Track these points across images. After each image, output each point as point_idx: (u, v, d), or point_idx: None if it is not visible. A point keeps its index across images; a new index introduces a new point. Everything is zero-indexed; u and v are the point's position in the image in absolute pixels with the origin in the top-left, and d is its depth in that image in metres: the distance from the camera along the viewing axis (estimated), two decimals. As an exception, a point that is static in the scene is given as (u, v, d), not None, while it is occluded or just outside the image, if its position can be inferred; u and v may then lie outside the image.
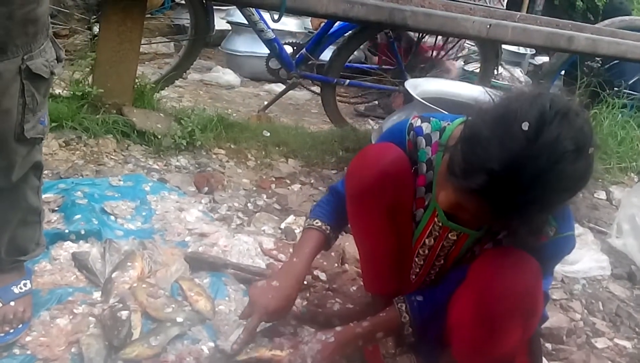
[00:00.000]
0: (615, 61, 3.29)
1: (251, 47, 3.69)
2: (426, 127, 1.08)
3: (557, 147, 0.79)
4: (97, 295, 1.34)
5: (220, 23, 3.72)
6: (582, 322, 1.62)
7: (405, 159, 1.07)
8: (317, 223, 1.22)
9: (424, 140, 1.07)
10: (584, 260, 1.85)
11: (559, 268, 1.81)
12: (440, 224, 1.07)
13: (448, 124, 1.07)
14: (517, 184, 0.79)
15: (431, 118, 1.08)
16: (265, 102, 3.17)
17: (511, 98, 0.86)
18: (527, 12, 5.54)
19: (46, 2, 1.03)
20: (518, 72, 4.43)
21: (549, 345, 1.49)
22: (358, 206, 1.13)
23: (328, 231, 1.22)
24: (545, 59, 4.52)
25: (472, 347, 0.93)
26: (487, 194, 0.81)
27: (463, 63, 4.40)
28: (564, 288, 1.77)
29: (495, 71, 3.18)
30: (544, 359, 1.38)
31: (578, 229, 1.98)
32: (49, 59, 1.06)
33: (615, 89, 3.17)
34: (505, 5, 4.19)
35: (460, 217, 0.97)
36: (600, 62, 3.46)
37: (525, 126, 0.79)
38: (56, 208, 1.59)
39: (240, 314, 1.25)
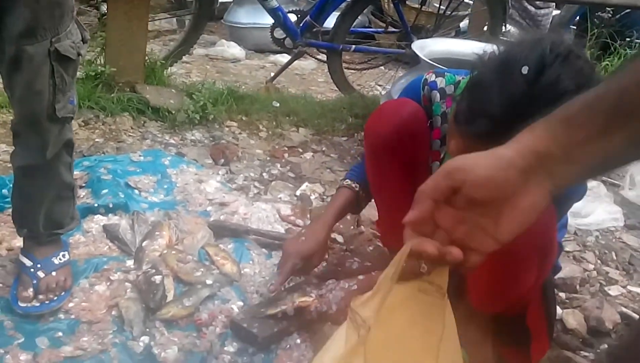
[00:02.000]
0: (627, 11, 3.25)
1: (254, 18, 3.69)
2: (440, 82, 1.11)
3: (558, 87, 0.81)
4: (130, 263, 1.43)
5: (222, -4, 3.74)
6: (596, 272, 1.68)
7: (421, 113, 1.10)
8: (347, 182, 1.30)
9: (438, 94, 1.10)
10: (597, 212, 1.88)
11: (572, 221, 1.86)
12: None
13: (462, 78, 1.08)
14: (518, 126, 0.84)
15: (446, 73, 1.11)
16: (272, 74, 3.20)
17: (513, 45, 0.89)
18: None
19: None
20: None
21: (562, 295, 1.55)
22: (376, 162, 1.17)
23: (357, 189, 1.29)
24: (557, 12, 4.46)
25: (489, 288, 0.96)
26: (490, 139, 0.86)
27: (469, 22, 4.36)
28: (577, 240, 1.83)
29: (504, 27, 3.16)
30: (558, 307, 1.45)
31: (591, 182, 2.01)
32: (75, 40, 1.11)
33: (627, 39, 3.14)
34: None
35: None
36: (611, 12, 3.42)
37: (525, 69, 0.82)
38: (83, 184, 1.67)
39: (278, 264, 1.33)
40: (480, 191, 0.48)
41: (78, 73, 2.20)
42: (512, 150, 0.49)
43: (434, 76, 1.12)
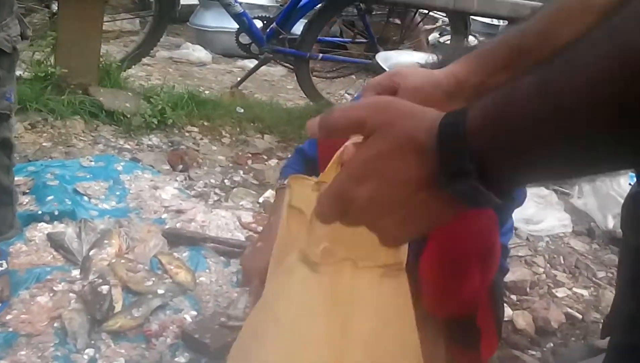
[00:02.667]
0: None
1: (221, 22, 3.71)
2: None
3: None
4: (75, 272, 1.40)
5: (186, -2, 3.75)
6: (545, 275, 1.79)
7: None
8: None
9: None
10: (548, 219, 2.02)
11: (525, 228, 1.99)
12: None
13: None
14: None
15: None
16: (238, 79, 3.22)
17: (448, 53, 0.99)
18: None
19: None
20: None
21: (513, 297, 1.65)
22: (331, 155, 1.20)
23: None
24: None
25: (437, 293, 1.03)
26: None
27: (438, 35, 4.51)
28: (529, 246, 1.93)
29: (465, 41, 3.31)
30: (509, 309, 1.55)
31: (544, 191, 2.14)
32: (11, 34, 1.11)
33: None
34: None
35: None
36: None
37: None
38: (27, 191, 1.64)
39: (241, 283, 1.33)
40: (410, 98, 0.53)
41: (26, 74, 2.20)
42: (441, 73, 0.58)
43: None
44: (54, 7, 2.45)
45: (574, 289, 1.75)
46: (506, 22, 4.54)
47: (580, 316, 1.61)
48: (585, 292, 1.73)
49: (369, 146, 0.43)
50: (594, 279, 1.81)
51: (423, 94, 0.56)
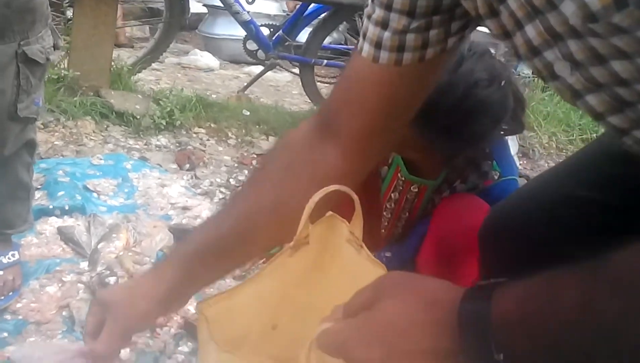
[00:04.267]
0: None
1: (229, 29, 3.75)
2: None
3: (472, 76, 0.97)
4: (84, 265, 1.41)
5: (196, 6, 3.79)
6: None
7: None
8: None
9: None
10: None
11: None
12: (403, 178, 1.18)
13: None
14: (441, 109, 0.92)
15: None
16: (245, 84, 3.25)
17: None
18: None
19: None
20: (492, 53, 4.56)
21: None
22: None
23: None
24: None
25: None
26: (418, 124, 0.92)
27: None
28: None
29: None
30: None
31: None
32: (45, 45, 1.15)
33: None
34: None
35: (409, 156, 1.09)
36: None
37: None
38: (39, 186, 1.66)
39: None
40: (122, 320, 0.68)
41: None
42: (151, 284, 0.70)
43: None
44: (69, 13, 2.49)
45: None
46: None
47: None
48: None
49: (382, 309, 0.41)
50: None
51: (135, 312, 0.64)
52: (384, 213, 1.24)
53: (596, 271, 0.34)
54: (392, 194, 1.21)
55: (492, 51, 1.07)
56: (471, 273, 1.04)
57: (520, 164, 2.52)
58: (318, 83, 3.09)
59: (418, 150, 1.05)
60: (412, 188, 1.18)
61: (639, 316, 0.31)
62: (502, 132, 1.11)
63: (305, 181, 0.62)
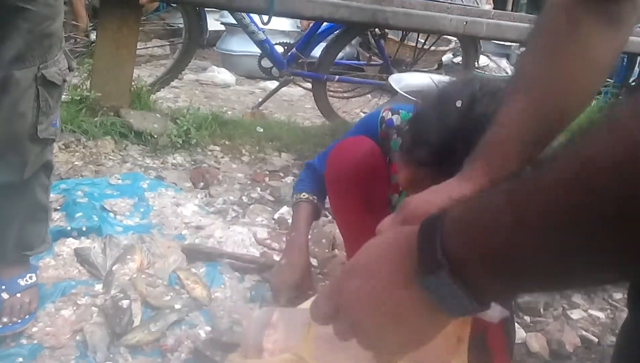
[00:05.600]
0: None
1: (245, 46, 3.73)
2: (396, 119, 1.15)
3: (487, 118, 0.86)
4: (99, 287, 1.39)
5: (214, 24, 3.78)
6: (559, 296, 1.68)
7: (376, 150, 1.14)
8: (304, 195, 1.30)
9: (395, 131, 1.14)
10: None
11: None
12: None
13: None
14: (453, 152, 0.86)
15: (400, 110, 1.15)
16: (260, 100, 3.22)
17: (449, 83, 0.97)
18: (512, 7, 5.63)
19: (61, 18, 1.13)
20: (504, 63, 4.48)
21: (527, 318, 1.55)
22: (337, 194, 1.20)
23: (315, 201, 1.31)
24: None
25: None
26: (429, 164, 0.88)
27: (452, 56, 4.46)
28: None
29: (476, 63, 3.28)
30: (522, 331, 1.46)
31: None
32: (61, 68, 1.15)
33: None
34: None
35: None
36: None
37: (458, 103, 0.90)
38: (58, 207, 1.64)
39: (272, 299, 1.31)
40: None
41: (63, 97, 2.22)
42: (465, 188, 0.57)
43: (390, 113, 1.16)
44: (93, 36, 2.49)
45: (590, 311, 1.63)
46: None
47: (596, 340, 1.49)
48: (601, 314, 1.61)
49: (362, 249, 0.44)
50: (610, 301, 1.68)
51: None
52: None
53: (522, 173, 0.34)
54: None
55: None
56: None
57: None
58: (330, 98, 3.05)
59: (422, 183, 1.00)
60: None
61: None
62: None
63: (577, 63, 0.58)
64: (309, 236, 1.34)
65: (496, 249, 0.34)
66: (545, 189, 0.31)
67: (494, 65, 4.44)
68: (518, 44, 4.63)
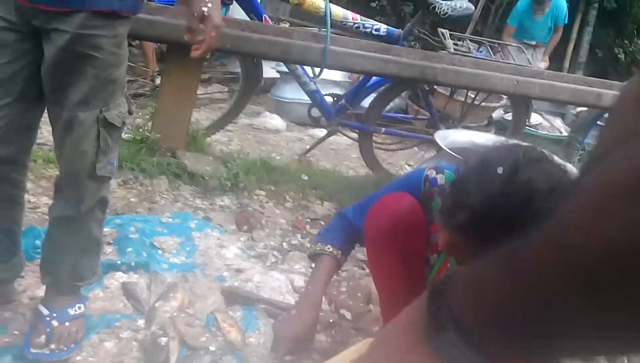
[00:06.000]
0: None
1: (297, 94, 3.86)
2: (440, 178, 1.15)
3: (529, 187, 0.87)
4: (141, 322, 1.44)
5: (270, 72, 3.97)
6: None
7: (417, 208, 1.14)
8: (328, 248, 1.30)
9: (438, 191, 1.14)
10: None
11: None
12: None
13: None
14: (494, 220, 0.85)
15: (445, 170, 1.15)
16: (307, 146, 3.30)
17: (492, 148, 0.97)
18: (569, 64, 5.55)
19: (124, 66, 1.22)
20: (558, 122, 4.39)
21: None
22: (374, 250, 1.20)
23: (339, 256, 1.30)
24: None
25: None
26: (469, 230, 0.87)
27: (503, 112, 4.42)
28: None
29: (527, 121, 3.23)
30: None
31: None
32: (122, 111, 1.24)
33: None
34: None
35: (459, 259, 1.02)
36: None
37: (500, 170, 0.89)
38: (111, 241, 1.74)
39: (270, 348, 1.32)
40: None
41: (126, 136, 2.38)
42: None
43: (434, 172, 1.16)
44: (157, 81, 2.67)
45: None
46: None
47: None
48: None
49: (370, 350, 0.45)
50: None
51: None
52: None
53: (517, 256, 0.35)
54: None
55: (549, 155, 0.97)
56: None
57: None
58: (376, 149, 3.09)
59: (468, 253, 0.99)
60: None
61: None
62: None
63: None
64: (331, 290, 1.34)
65: (500, 312, 0.35)
66: (539, 250, 0.32)
67: (547, 124, 4.35)
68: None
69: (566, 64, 5.61)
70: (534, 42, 5.17)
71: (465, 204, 0.90)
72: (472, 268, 0.39)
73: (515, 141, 1.01)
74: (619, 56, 4.77)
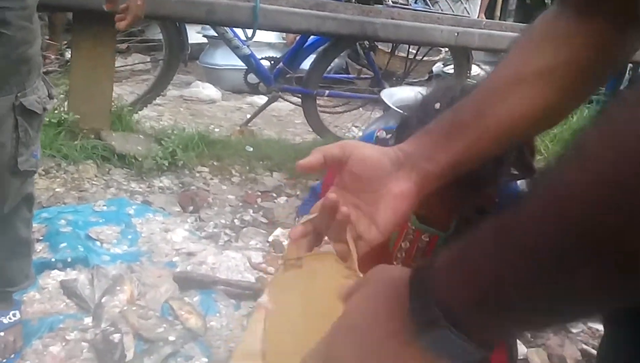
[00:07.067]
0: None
1: (230, 60, 3.77)
2: (391, 139, 1.20)
3: None
4: (88, 320, 1.40)
5: (196, 37, 3.84)
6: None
7: None
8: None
9: None
10: None
11: None
12: (413, 227, 1.17)
13: None
14: None
15: (394, 130, 1.20)
16: (248, 116, 3.26)
17: (431, 90, 1.03)
18: (500, 12, 5.80)
19: (38, 42, 1.13)
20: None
21: (527, 333, 1.60)
22: None
23: None
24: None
25: None
26: None
27: (442, 65, 4.57)
28: None
29: (468, 73, 3.39)
30: (523, 346, 1.52)
31: None
32: (41, 96, 1.15)
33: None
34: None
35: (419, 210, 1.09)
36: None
37: (437, 105, 0.95)
38: (41, 238, 1.66)
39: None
40: (359, 166, 0.60)
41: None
42: (390, 148, 0.63)
43: (384, 133, 1.21)
44: (67, 55, 2.52)
45: (589, 323, 1.69)
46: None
47: (595, 353, 1.57)
48: (601, 327, 1.68)
49: (350, 307, 0.46)
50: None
51: (371, 162, 0.60)
52: (394, 262, 1.23)
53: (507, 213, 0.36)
54: (403, 244, 1.20)
55: None
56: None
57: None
58: (321, 113, 3.11)
59: (424, 202, 1.05)
60: (422, 237, 1.17)
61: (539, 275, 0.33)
62: (510, 178, 1.10)
63: (539, 41, 0.60)
64: None
65: (488, 291, 0.36)
66: (523, 223, 0.33)
67: (486, 74, 4.56)
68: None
69: (497, 13, 5.86)
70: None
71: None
72: (455, 251, 0.39)
73: (453, 82, 1.06)
74: (546, 1, 5.02)
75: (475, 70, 4.50)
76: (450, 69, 4.17)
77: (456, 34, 2.76)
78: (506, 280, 0.35)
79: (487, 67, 4.72)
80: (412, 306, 0.40)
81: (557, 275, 0.32)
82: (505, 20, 5.61)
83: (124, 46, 3.80)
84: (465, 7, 4.98)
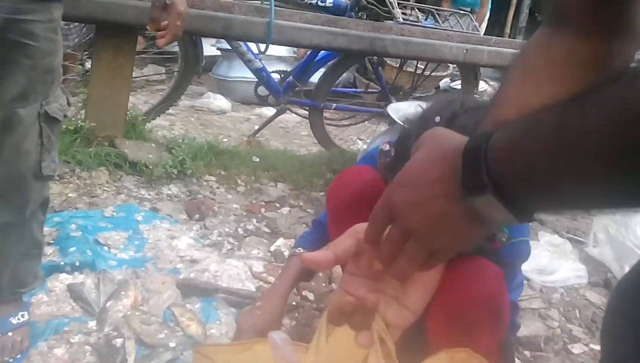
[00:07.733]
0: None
1: (241, 72, 3.81)
2: (391, 151, 1.19)
3: (465, 132, 0.90)
4: (92, 324, 1.41)
5: (210, 49, 3.87)
6: (560, 329, 1.70)
7: (378, 179, 1.17)
8: (299, 250, 1.32)
9: None
10: (562, 269, 1.92)
11: (538, 278, 1.91)
12: None
13: None
14: None
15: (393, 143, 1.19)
16: (256, 126, 3.28)
17: (432, 103, 1.02)
18: (510, 29, 5.79)
19: (61, 53, 1.16)
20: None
21: (527, 353, 1.56)
22: (338, 224, 1.21)
23: None
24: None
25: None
26: None
27: (449, 81, 4.56)
28: (542, 298, 1.85)
29: (475, 89, 3.37)
30: None
31: (557, 240, 2.08)
32: (62, 103, 1.18)
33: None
34: (484, 29, 4.42)
35: None
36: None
37: (437, 119, 0.94)
38: (51, 241, 1.67)
39: (232, 339, 1.32)
40: None
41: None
42: None
43: (388, 146, 1.19)
44: (88, 65, 2.54)
45: (591, 345, 1.65)
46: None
47: None
48: (602, 348, 1.65)
49: (409, 165, 0.50)
50: (612, 335, 1.72)
51: None
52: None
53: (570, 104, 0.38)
54: (403, 253, 1.19)
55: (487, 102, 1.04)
56: (483, 340, 1.00)
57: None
58: (328, 125, 3.11)
59: None
60: (422, 247, 1.16)
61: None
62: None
63: (541, 65, 0.59)
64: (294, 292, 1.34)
65: (541, 173, 0.38)
66: (594, 119, 0.35)
67: (492, 90, 4.55)
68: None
69: (507, 30, 5.85)
70: (469, 9, 5.34)
71: (406, 155, 0.94)
72: (514, 127, 0.41)
73: (454, 95, 1.05)
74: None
75: (482, 85, 4.50)
76: (457, 84, 4.17)
77: (465, 50, 2.74)
78: (563, 168, 0.37)
79: (494, 83, 4.70)
80: (464, 172, 0.43)
81: (619, 170, 0.34)
82: (515, 38, 5.60)
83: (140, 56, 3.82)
84: (475, 24, 4.95)
